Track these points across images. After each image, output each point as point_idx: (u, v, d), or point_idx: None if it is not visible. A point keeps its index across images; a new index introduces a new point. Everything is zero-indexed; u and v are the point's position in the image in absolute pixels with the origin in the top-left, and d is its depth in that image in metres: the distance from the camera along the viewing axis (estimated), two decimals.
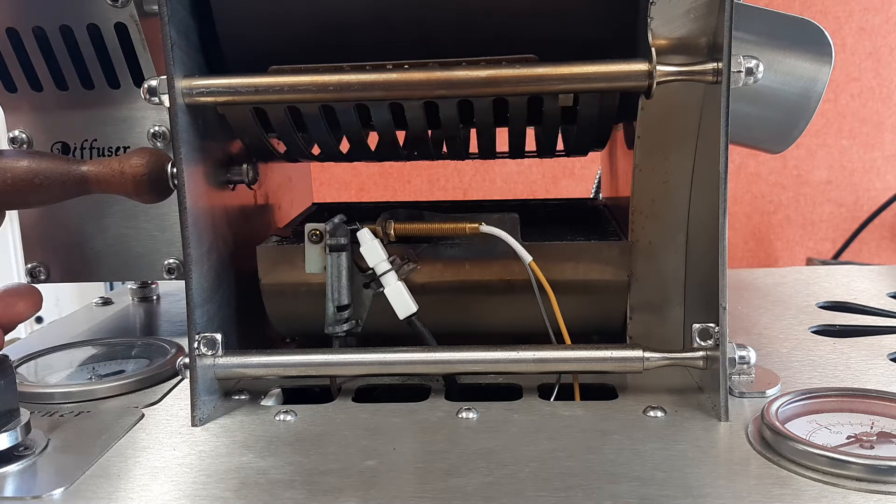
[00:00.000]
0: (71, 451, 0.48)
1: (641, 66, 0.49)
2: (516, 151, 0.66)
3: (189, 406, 0.52)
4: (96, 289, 1.32)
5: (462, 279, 0.60)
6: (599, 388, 0.56)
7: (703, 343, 0.51)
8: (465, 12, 0.55)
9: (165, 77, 0.51)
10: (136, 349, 0.66)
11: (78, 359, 0.65)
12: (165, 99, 0.51)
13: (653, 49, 0.49)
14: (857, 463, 0.41)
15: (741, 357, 0.52)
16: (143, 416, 0.53)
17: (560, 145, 0.68)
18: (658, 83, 0.49)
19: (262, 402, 0.55)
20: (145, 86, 0.51)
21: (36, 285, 0.59)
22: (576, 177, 1.50)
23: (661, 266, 0.58)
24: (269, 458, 0.47)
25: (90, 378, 0.60)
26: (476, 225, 0.57)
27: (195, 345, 0.53)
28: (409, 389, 0.57)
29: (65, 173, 0.56)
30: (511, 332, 0.62)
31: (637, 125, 0.56)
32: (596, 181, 0.91)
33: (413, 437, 0.49)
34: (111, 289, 1.27)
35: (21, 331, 0.68)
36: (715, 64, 0.48)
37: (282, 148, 0.64)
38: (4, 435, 0.46)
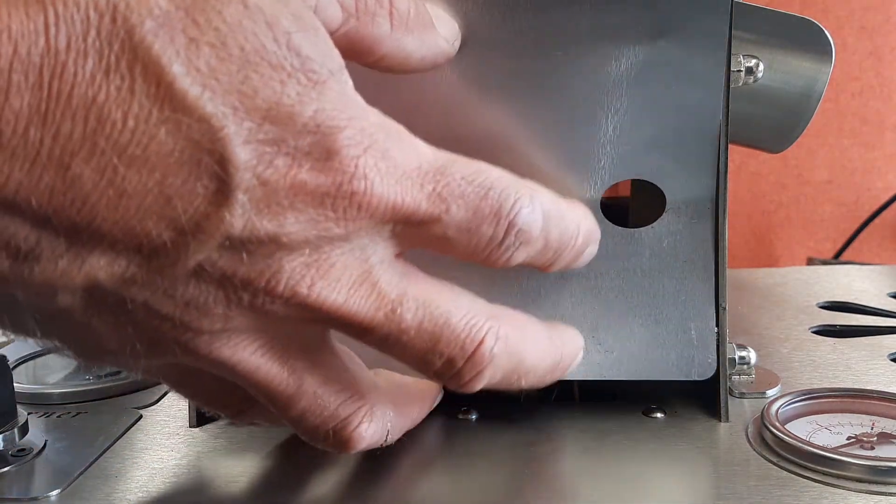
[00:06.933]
0: (68, 452, 0.48)
1: None
2: None
3: (187, 407, 0.52)
4: None
5: None
6: (599, 389, 0.55)
7: None
8: None
9: None
10: None
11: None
12: None
13: None
14: (857, 464, 0.41)
15: (741, 357, 0.52)
16: (140, 416, 0.53)
17: None
18: None
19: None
20: None
21: None
22: None
23: None
24: (267, 459, 0.47)
25: (88, 378, 0.60)
26: None
27: None
28: None
29: None
30: None
31: None
32: None
33: (411, 437, 0.49)
34: None
35: None
36: None
37: None
38: (1, 436, 0.46)
